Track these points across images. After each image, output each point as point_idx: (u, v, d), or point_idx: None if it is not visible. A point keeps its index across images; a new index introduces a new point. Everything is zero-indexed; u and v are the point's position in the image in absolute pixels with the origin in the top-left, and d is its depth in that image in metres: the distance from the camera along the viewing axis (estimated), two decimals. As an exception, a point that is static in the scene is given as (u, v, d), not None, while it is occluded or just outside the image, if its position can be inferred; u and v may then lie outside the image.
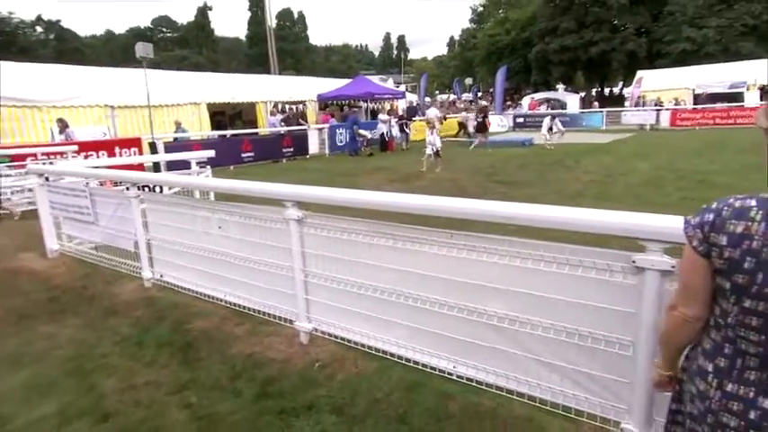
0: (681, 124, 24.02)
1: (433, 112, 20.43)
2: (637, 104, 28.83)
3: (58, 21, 56.33)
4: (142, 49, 12.49)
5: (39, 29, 55.03)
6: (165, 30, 67.55)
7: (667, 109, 25.38)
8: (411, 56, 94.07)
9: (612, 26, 35.52)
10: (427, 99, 30.84)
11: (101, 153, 11.43)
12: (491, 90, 48.89)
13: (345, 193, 3.04)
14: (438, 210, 2.69)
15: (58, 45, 54.45)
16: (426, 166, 12.67)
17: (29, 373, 3.27)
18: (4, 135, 11.66)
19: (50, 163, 8.49)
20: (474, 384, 2.69)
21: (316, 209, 3.27)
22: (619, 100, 37.38)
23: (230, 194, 4.09)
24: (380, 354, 3.11)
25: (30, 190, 7.53)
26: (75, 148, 10.41)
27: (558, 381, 2.37)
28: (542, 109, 29.61)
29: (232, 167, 14.22)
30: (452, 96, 43.67)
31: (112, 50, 54.28)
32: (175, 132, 14.89)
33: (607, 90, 42.99)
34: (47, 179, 5.64)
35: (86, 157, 10.70)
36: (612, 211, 2.10)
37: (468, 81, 45.96)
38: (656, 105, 26.48)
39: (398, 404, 2.77)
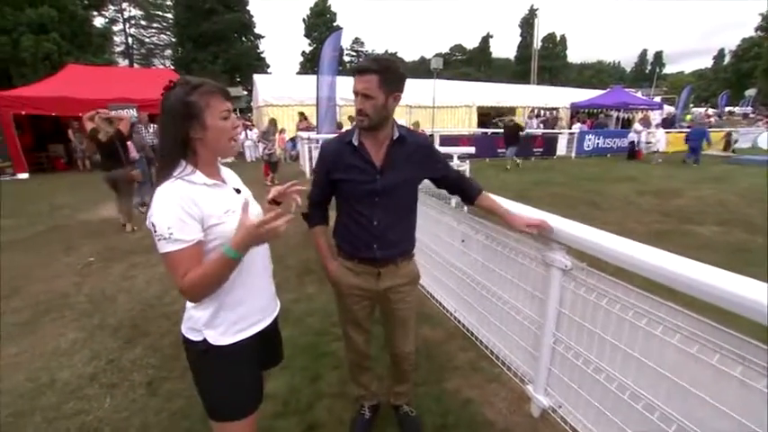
0: None
1: None
2: None
3: (395, 52, 63.81)
4: (435, 63, 11.97)
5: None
6: (457, 54, 68.25)
7: None
8: (666, 70, 70.48)
9: None
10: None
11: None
12: (770, 104, 32.37)
13: (657, 256, 1.26)
14: None
15: (392, 67, 61.95)
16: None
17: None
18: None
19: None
20: None
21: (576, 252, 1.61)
22: None
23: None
24: None
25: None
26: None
27: None
28: None
29: (487, 160, 12.74)
30: (710, 110, 30.82)
31: (421, 70, 58.41)
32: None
33: None
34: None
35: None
36: None
37: (750, 92, 31.20)
38: None
39: None
